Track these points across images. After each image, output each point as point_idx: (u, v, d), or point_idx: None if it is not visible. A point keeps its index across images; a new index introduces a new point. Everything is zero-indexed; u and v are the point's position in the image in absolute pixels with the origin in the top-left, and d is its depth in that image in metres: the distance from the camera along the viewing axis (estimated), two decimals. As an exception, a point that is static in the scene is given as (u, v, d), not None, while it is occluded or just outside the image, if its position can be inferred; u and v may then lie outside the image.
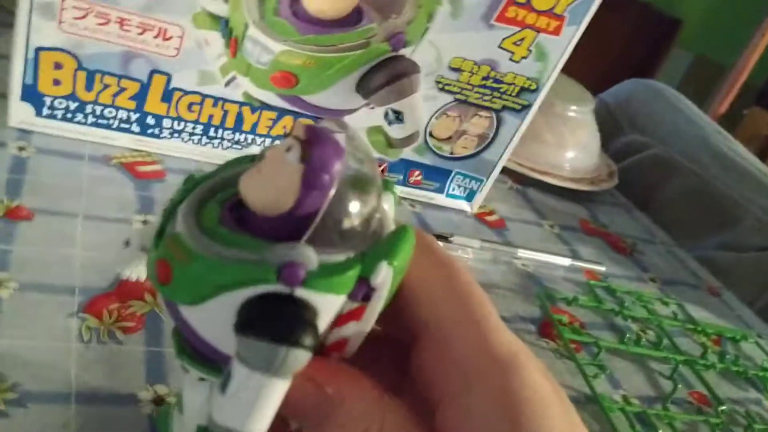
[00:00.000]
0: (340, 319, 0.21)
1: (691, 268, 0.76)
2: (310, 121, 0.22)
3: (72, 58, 0.48)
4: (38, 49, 0.47)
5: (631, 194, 0.88)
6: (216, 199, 0.23)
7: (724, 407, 0.51)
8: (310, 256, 0.20)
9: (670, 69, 2.46)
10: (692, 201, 0.90)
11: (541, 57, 0.56)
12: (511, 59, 0.56)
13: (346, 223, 0.21)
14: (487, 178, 0.64)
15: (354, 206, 0.21)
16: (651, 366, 0.55)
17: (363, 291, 0.21)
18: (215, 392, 0.21)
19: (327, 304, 0.21)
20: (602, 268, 0.65)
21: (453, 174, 0.63)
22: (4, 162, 0.46)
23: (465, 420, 0.21)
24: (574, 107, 0.81)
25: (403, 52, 0.53)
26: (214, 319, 0.21)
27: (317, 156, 0.20)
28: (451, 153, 0.61)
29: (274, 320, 0.20)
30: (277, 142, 0.21)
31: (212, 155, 0.56)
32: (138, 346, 0.37)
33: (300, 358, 0.20)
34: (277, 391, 0.20)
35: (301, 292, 0.20)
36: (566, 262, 0.63)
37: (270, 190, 0.20)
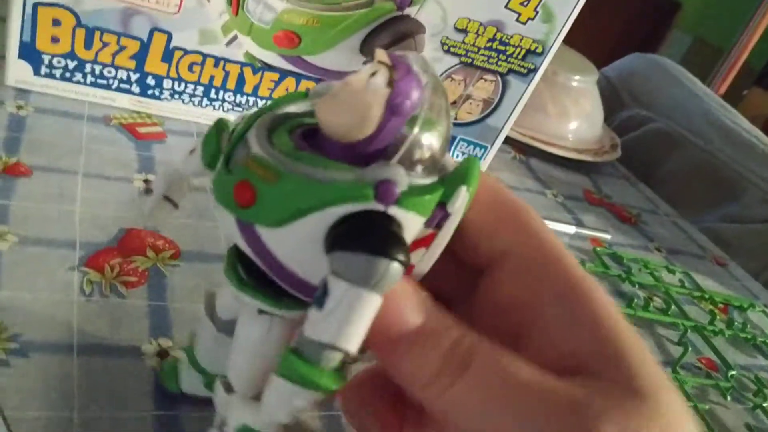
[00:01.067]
0: (411, 245, 0.21)
1: (696, 239, 0.75)
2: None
3: (71, 14, 0.47)
4: (36, 5, 0.46)
5: (633, 168, 0.87)
6: (283, 127, 0.23)
7: (733, 372, 0.51)
8: (403, 176, 0.20)
9: (669, 51, 2.45)
10: (695, 174, 0.90)
11: (548, 18, 0.55)
12: (517, 20, 0.55)
13: (423, 152, 0.21)
14: (492, 145, 0.63)
15: (429, 137, 0.21)
16: (659, 332, 0.54)
17: (439, 216, 0.21)
18: (311, 309, 0.20)
19: (411, 225, 0.21)
20: (608, 236, 0.64)
21: (457, 140, 0.62)
22: (2, 120, 0.45)
23: (565, 329, 0.21)
24: (577, 77, 0.80)
25: (408, 11, 0.52)
26: (300, 241, 0.21)
27: (403, 82, 0.20)
28: (456, 118, 0.60)
29: (373, 235, 0.20)
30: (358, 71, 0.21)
31: (213, 117, 0.54)
32: (141, 300, 0.36)
33: (397, 272, 0.20)
34: (372, 306, 0.20)
35: (393, 210, 0.20)
36: (571, 229, 0.62)
37: (353, 115, 0.20)
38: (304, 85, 0.54)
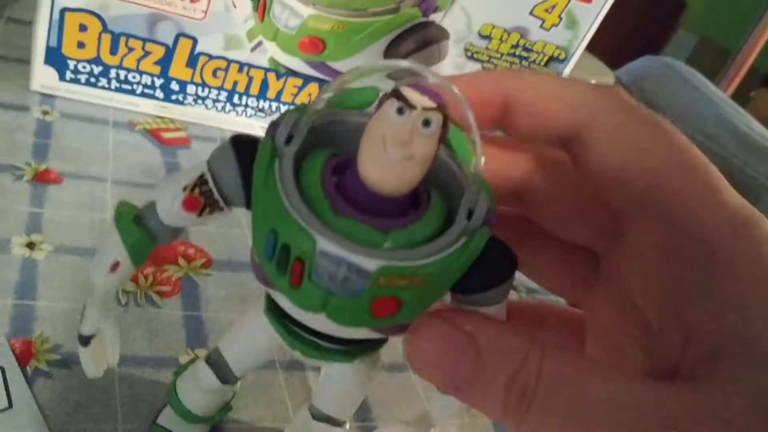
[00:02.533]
0: None
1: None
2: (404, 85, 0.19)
3: (97, 19, 0.47)
4: (63, 10, 0.46)
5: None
6: (308, 171, 0.20)
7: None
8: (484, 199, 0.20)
9: (674, 51, 2.44)
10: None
11: (571, 25, 0.55)
12: (541, 26, 0.55)
13: None
14: (512, 150, 0.63)
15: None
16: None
17: None
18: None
19: None
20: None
21: (477, 145, 0.62)
22: (29, 126, 0.45)
23: (708, 302, 0.18)
24: (593, 81, 0.80)
25: (433, 17, 0.52)
26: None
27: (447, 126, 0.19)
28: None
29: (508, 258, 0.21)
30: (398, 115, 0.19)
31: (236, 123, 0.54)
32: (175, 310, 0.36)
33: None
34: None
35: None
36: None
37: (413, 175, 0.19)
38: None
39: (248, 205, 0.21)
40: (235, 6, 0.48)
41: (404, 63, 0.20)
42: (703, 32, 2.49)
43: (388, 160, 0.19)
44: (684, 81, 1.01)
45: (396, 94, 0.19)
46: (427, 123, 0.19)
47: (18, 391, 0.28)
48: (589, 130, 0.21)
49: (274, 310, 0.23)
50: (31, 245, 0.36)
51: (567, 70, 0.59)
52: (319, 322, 0.20)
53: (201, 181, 0.21)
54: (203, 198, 0.21)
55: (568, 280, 0.24)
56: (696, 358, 0.17)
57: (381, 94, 0.20)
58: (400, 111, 0.18)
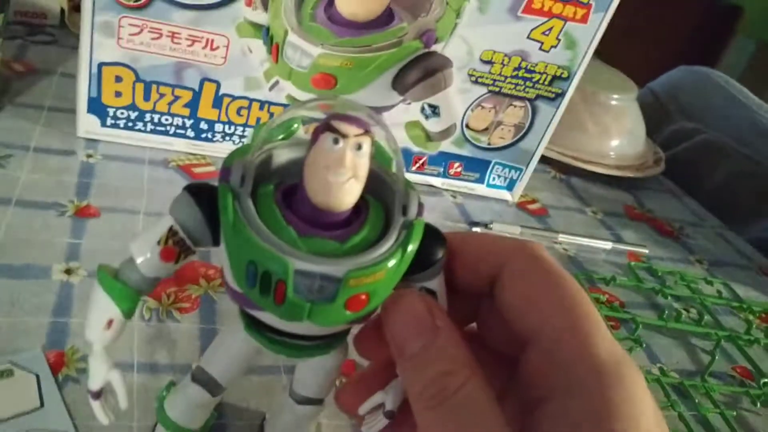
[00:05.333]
0: None
1: (742, 250, 0.75)
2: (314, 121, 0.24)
3: (130, 71, 0.53)
4: (101, 65, 0.52)
5: (680, 181, 0.88)
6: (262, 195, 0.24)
7: (767, 380, 0.52)
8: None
9: (732, 58, 2.40)
10: (743, 185, 0.89)
11: (570, 45, 0.58)
12: (540, 49, 0.58)
13: None
14: (526, 167, 0.66)
15: None
16: (692, 342, 0.55)
17: None
18: None
19: None
20: (645, 251, 0.66)
21: (492, 164, 0.65)
22: (75, 168, 0.51)
23: (560, 419, 0.21)
24: (616, 96, 0.82)
25: (434, 48, 0.55)
26: None
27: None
28: (489, 144, 0.64)
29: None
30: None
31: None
32: (193, 324, 0.40)
33: None
34: None
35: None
36: (607, 245, 0.64)
37: (357, 192, 0.23)
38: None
39: (215, 243, 0.24)
40: (251, 51, 0.54)
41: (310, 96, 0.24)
42: (761, 36, 2.44)
43: (336, 183, 0.23)
44: (718, 88, 1.01)
45: (329, 127, 0.23)
46: (359, 147, 0.23)
47: (49, 395, 0.33)
48: (502, 275, 0.25)
49: (254, 327, 0.26)
50: (68, 271, 0.41)
51: (571, 88, 0.61)
52: (302, 327, 0.25)
53: (171, 232, 0.24)
54: (177, 247, 0.24)
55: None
56: None
57: (305, 127, 0.24)
58: (335, 141, 0.22)
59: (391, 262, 0.23)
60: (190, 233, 0.24)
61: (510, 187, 0.67)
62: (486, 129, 0.63)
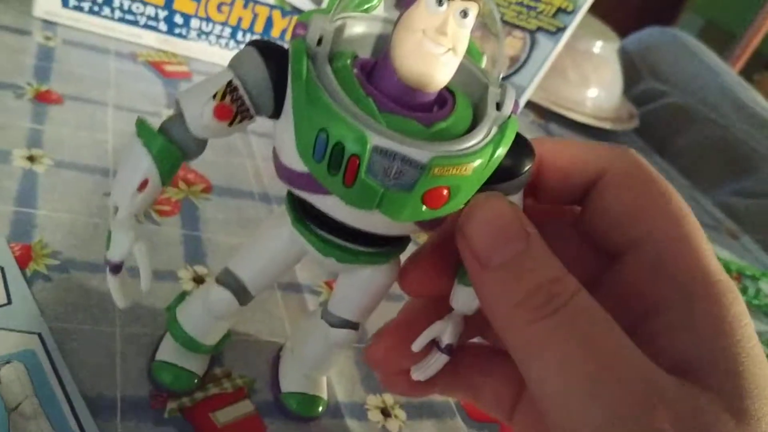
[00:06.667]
0: None
1: (711, 212, 0.75)
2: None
3: (103, -56, 0.46)
4: (69, -67, 0.45)
5: (648, 141, 0.87)
6: (338, 63, 0.20)
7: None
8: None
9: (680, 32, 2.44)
10: (711, 148, 0.90)
11: (581, -25, 0.55)
12: (551, -24, 0.54)
13: None
14: (515, 105, 0.63)
15: None
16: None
17: None
18: None
19: None
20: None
21: (481, 98, 0.62)
22: (31, 49, 0.45)
23: (682, 333, 0.19)
24: (599, 43, 0.79)
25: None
26: None
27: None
28: (481, 75, 0.60)
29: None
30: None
31: (240, 61, 0.54)
32: (174, 228, 0.36)
33: None
34: None
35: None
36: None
37: (452, 68, 0.20)
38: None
39: (276, 112, 0.20)
40: (242, -62, 0.48)
41: None
42: (708, 15, 2.48)
43: (430, 53, 0.19)
44: (689, 53, 1.00)
45: None
46: (465, 14, 0.19)
47: (17, 290, 0.28)
48: (602, 181, 0.22)
49: (306, 221, 0.22)
50: (31, 158, 0.35)
51: (573, 24, 0.58)
52: (367, 221, 0.20)
53: (231, 87, 0.20)
54: (235, 105, 0.20)
55: (498, 398, 0.26)
56: (669, 370, 0.18)
57: None
58: (439, 2, 0.18)
59: (480, 159, 0.19)
60: (251, 93, 0.20)
61: (495, 123, 0.64)
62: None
